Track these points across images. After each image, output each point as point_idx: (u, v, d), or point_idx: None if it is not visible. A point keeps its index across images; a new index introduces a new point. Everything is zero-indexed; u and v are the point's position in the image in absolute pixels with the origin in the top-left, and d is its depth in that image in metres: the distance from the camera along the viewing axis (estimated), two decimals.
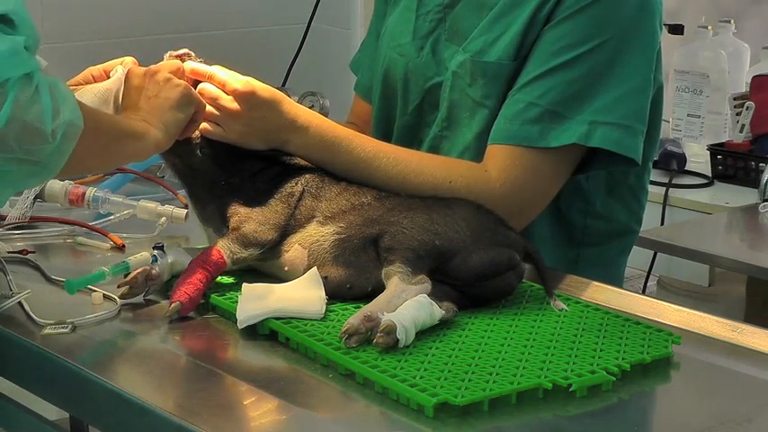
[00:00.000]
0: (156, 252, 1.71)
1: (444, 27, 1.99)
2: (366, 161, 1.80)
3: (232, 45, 3.36)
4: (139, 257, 1.70)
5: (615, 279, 2.03)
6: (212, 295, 1.68)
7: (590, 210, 1.99)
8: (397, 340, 1.50)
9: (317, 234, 1.70)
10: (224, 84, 1.74)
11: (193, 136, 1.75)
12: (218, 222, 1.75)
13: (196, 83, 1.75)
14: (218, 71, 1.75)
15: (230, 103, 1.73)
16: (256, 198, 1.73)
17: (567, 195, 1.95)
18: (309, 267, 1.69)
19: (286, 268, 1.71)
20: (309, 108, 1.86)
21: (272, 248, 1.72)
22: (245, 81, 1.74)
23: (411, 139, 2.02)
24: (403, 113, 2.04)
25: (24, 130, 1.47)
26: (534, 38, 1.87)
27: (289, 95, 1.82)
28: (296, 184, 1.75)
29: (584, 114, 1.83)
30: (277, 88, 1.80)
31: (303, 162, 1.80)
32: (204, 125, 1.75)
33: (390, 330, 1.50)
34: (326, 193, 1.75)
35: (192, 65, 1.75)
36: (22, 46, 1.46)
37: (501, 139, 1.85)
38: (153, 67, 1.71)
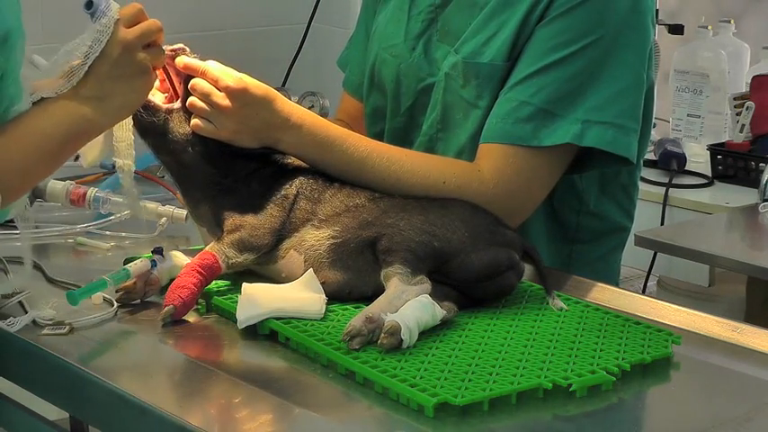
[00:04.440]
0: (155, 257, 1.71)
1: (436, 27, 1.99)
2: (359, 161, 1.79)
3: (232, 45, 3.36)
4: (140, 264, 1.69)
5: (609, 275, 2.03)
6: (213, 296, 1.68)
7: (583, 208, 1.99)
8: (401, 341, 1.50)
9: (312, 239, 1.70)
10: (216, 80, 1.72)
11: (184, 132, 1.74)
12: (210, 223, 1.74)
13: (189, 78, 1.74)
14: (212, 67, 1.73)
15: (222, 99, 1.71)
16: (250, 201, 1.72)
17: (561, 193, 1.95)
18: None
19: (283, 275, 1.71)
20: (309, 108, 1.86)
21: (268, 253, 1.71)
22: (237, 78, 1.72)
23: (403, 141, 2.01)
24: (394, 115, 2.04)
25: None
26: (527, 38, 1.87)
27: (289, 96, 1.81)
28: (290, 186, 1.74)
29: (577, 113, 1.83)
30: (276, 88, 1.79)
31: (296, 162, 1.78)
32: (195, 121, 1.73)
33: (395, 331, 1.50)
34: (320, 195, 1.74)
35: (186, 60, 1.73)
36: None
37: (493, 138, 1.85)
38: (133, 40, 1.62)
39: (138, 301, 1.70)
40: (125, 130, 1.74)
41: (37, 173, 1.60)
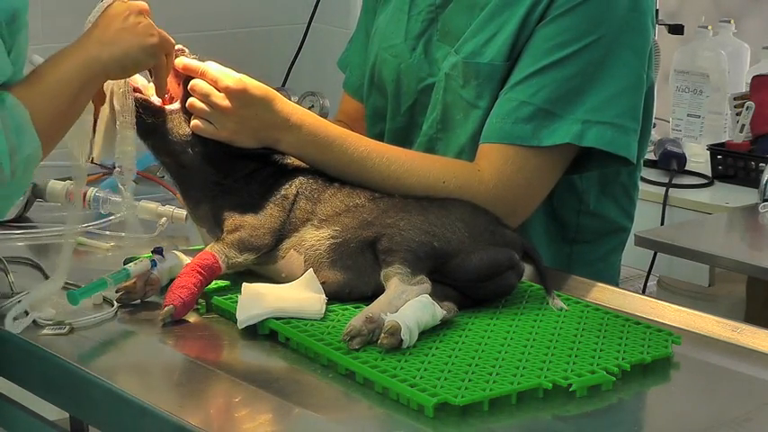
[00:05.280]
0: (155, 257, 1.71)
1: (436, 27, 1.99)
2: (359, 161, 1.79)
3: (232, 45, 3.36)
4: (140, 264, 1.69)
5: (609, 275, 2.03)
6: (213, 296, 1.68)
7: (583, 208, 1.99)
8: (402, 341, 1.50)
9: (312, 239, 1.70)
10: (216, 81, 1.72)
11: (184, 133, 1.74)
12: (210, 223, 1.74)
13: (188, 78, 1.74)
14: (211, 67, 1.73)
15: (222, 100, 1.72)
16: (250, 201, 1.72)
17: (561, 194, 1.95)
18: None
19: (283, 274, 1.71)
20: (309, 108, 1.86)
21: (268, 253, 1.71)
22: (237, 78, 1.73)
23: (403, 141, 2.01)
24: (395, 115, 2.04)
25: None
26: (527, 38, 1.87)
27: (289, 96, 1.81)
28: (290, 186, 1.74)
29: (577, 113, 1.83)
30: (276, 89, 1.79)
31: (296, 162, 1.79)
32: (195, 122, 1.73)
33: (395, 331, 1.50)
34: (320, 194, 1.74)
35: (185, 60, 1.74)
36: None
37: (493, 138, 1.85)
38: (138, 4, 1.68)
39: (138, 301, 1.70)
40: (128, 144, 1.74)
41: (64, 118, 1.62)
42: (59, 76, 1.59)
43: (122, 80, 1.70)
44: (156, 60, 1.68)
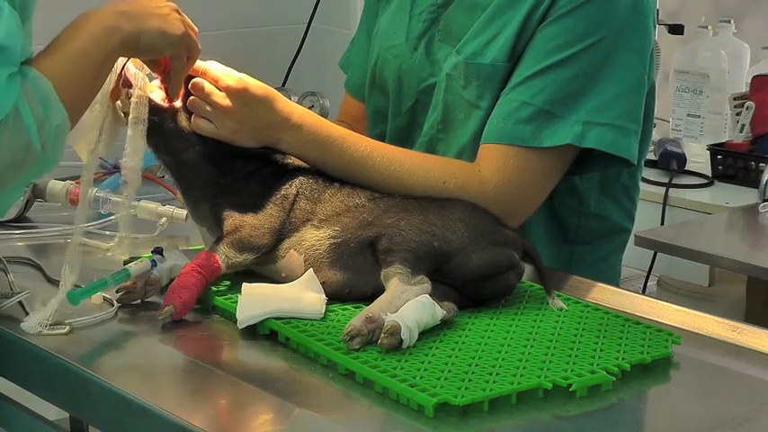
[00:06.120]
0: (155, 257, 1.71)
1: (437, 27, 1.99)
2: (360, 161, 1.79)
3: (232, 45, 3.36)
4: (140, 264, 1.69)
5: (610, 277, 2.03)
6: (213, 296, 1.68)
7: (584, 209, 1.99)
8: (401, 341, 1.50)
9: (312, 239, 1.70)
10: (217, 80, 1.72)
11: (185, 132, 1.74)
12: (210, 222, 1.74)
13: (189, 78, 1.74)
14: (212, 67, 1.74)
15: (222, 99, 1.72)
16: (250, 201, 1.73)
17: (561, 195, 1.95)
18: None
19: (284, 274, 1.71)
20: (309, 108, 1.86)
21: (268, 253, 1.71)
22: (238, 78, 1.73)
23: (404, 141, 2.01)
24: (396, 115, 2.04)
25: (14, 161, 1.48)
26: (528, 39, 1.87)
27: (289, 96, 1.81)
28: (290, 186, 1.74)
29: (578, 114, 1.83)
30: (277, 89, 1.79)
31: (297, 162, 1.79)
32: (196, 121, 1.73)
33: (395, 331, 1.50)
34: (320, 195, 1.74)
35: None
36: (5, 78, 1.46)
37: (494, 139, 1.85)
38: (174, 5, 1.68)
39: (138, 301, 1.70)
40: (138, 138, 1.73)
41: (88, 87, 1.60)
42: (79, 45, 1.57)
43: (139, 88, 1.70)
44: (172, 51, 1.66)
